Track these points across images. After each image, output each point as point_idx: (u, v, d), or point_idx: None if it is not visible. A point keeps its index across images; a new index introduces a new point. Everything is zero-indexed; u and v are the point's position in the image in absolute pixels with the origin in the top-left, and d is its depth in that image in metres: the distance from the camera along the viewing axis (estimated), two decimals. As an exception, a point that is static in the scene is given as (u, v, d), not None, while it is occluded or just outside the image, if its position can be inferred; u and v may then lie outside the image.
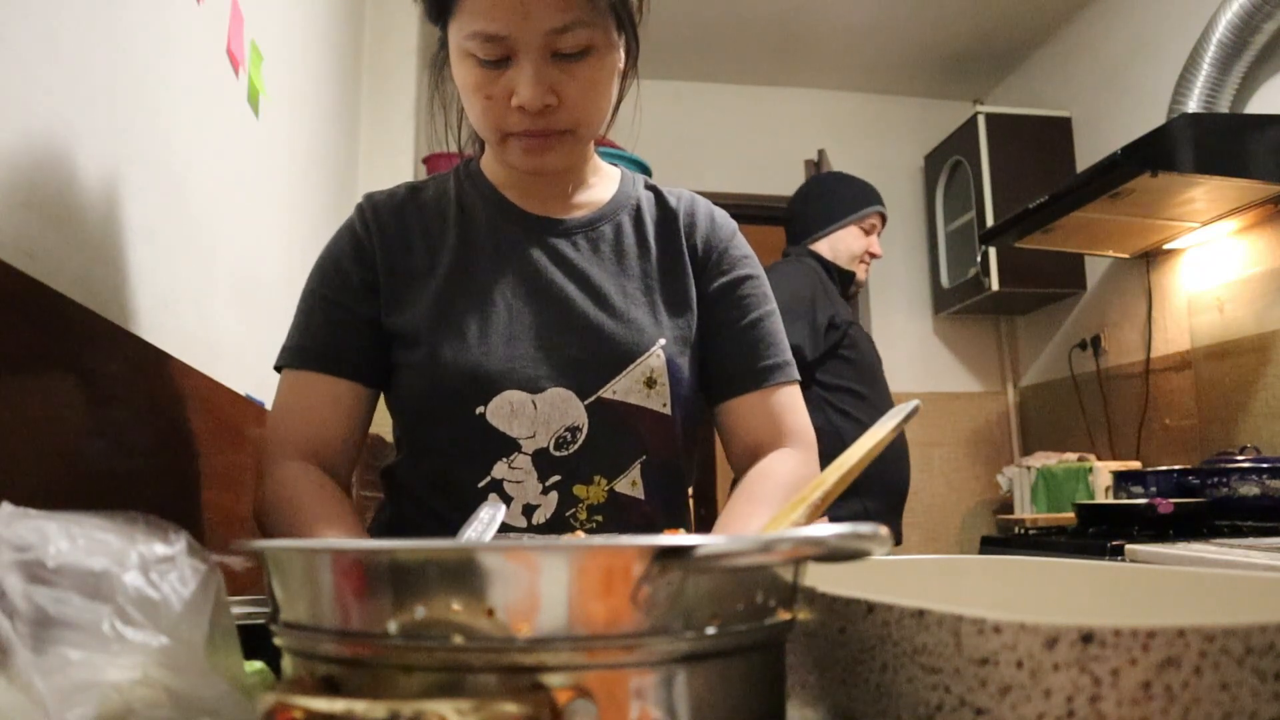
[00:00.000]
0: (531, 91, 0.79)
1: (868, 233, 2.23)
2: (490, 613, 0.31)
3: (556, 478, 0.86)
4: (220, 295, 1.18)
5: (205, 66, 1.12)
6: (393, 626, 0.31)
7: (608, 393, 0.87)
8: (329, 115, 1.94)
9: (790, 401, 0.96)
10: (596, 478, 0.87)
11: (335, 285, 0.91)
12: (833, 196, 2.25)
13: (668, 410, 0.89)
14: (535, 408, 0.86)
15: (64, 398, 0.74)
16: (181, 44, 1.03)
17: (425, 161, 2.26)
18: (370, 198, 0.96)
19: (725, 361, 0.95)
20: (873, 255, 2.24)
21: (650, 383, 0.88)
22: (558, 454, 0.86)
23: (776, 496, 0.89)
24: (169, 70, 1.00)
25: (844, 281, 2.23)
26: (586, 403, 0.87)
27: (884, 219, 2.28)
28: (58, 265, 0.75)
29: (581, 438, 0.86)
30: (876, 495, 1.93)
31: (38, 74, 0.73)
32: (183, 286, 1.04)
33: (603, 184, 0.99)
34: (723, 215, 1.01)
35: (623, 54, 0.86)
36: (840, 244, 2.21)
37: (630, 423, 0.88)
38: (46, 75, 0.74)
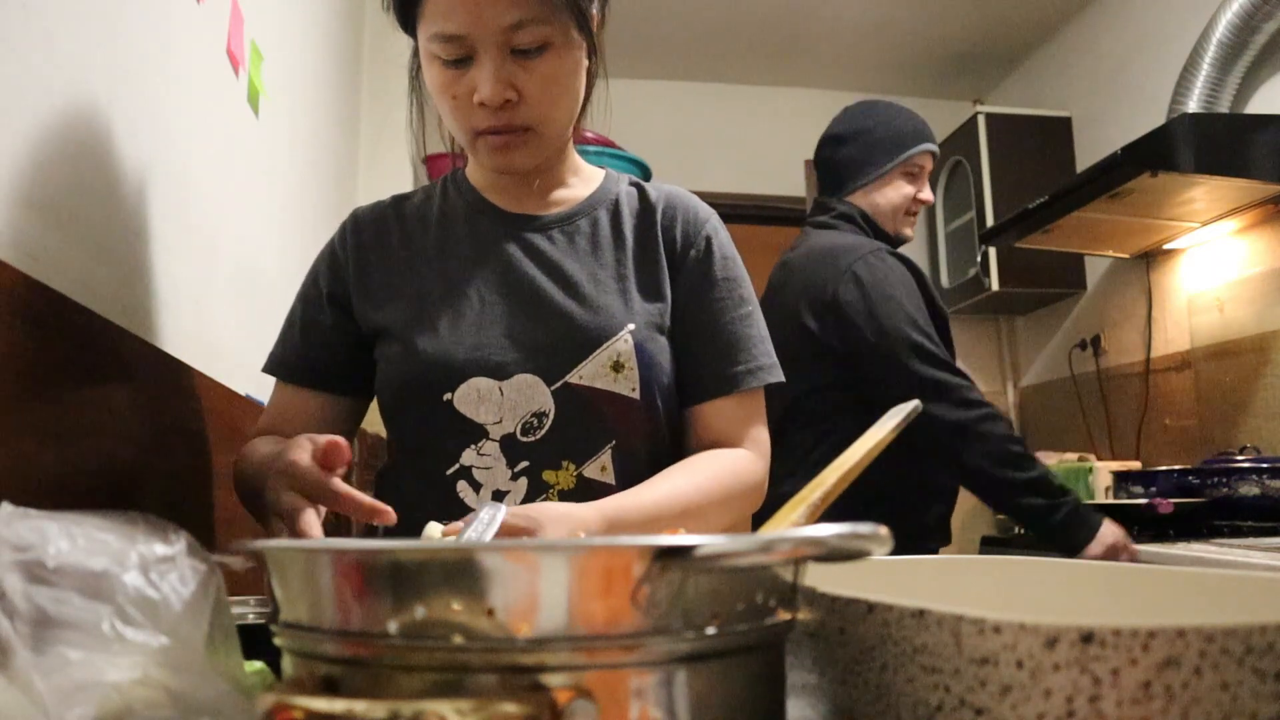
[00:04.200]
0: (490, 88, 0.81)
1: (914, 178, 1.81)
2: (490, 613, 0.31)
3: (525, 463, 0.87)
4: (220, 295, 1.18)
5: (205, 66, 1.12)
6: (393, 626, 0.31)
7: (574, 378, 0.88)
8: (329, 115, 1.94)
9: (755, 408, 0.96)
10: (565, 463, 0.88)
11: (310, 299, 0.98)
12: (865, 137, 1.82)
13: (636, 395, 0.89)
14: (502, 394, 0.88)
15: (64, 398, 0.74)
16: (181, 44, 1.04)
17: (425, 161, 2.26)
18: (355, 212, 1.01)
19: (694, 365, 0.95)
20: (921, 202, 1.83)
21: (617, 367, 0.88)
22: (525, 440, 0.87)
23: (705, 469, 0.89)
24: (169, 70, 1.00)
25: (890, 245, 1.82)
26: (553, 388, 0.88)
27: (935, 157, 1.85)
28: (59, 265, 0.75)
29: (548, 423, 0.87)
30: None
31: (38, 74, 0.73)
32: (183, 286, 1.04)
33: (583, 183, 1.00)
34: (707, 211, 1.00)
35: (586, 53, 0.88)
36: (881, 197, 1.81)
37: (597, 408, 0.88)
38: (47, 75, 0.74)
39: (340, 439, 0.67)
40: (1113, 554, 1.61)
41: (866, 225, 1.81)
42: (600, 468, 0.89)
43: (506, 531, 0.67)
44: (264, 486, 0.73)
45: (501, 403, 0.88)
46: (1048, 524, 1.60)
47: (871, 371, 1.64)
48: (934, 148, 1.83)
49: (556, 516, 0.72)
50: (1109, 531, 1.61)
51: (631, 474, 0.89)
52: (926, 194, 1.83)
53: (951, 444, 1.58)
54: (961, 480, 1.66)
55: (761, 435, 0.96)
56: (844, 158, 1.84)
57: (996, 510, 1.60)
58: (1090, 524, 1.61)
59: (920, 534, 1.65)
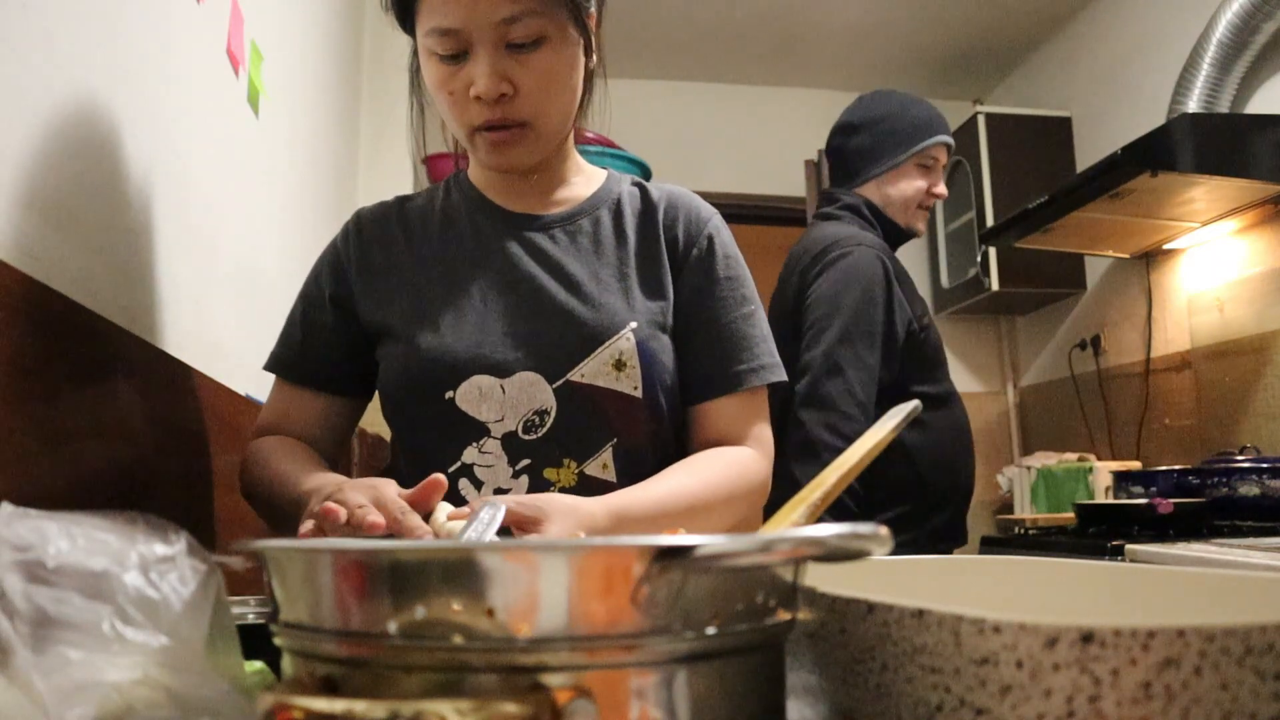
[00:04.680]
0: (486, 82, 0.82)
1: (927, 171, 1.77)
2: (490, 613, 0.31)
3: (526, 461, 0.87)
4: (220, 295, 1.18)
5: (205, 66, 1.12)
6: (393, 626, 0.31)
7: (575, 376, 0.88)
8: (329, 115, 1.94)
9: (759, 407, 0.96)
10: (566, 460, 0.88)
11: (312, 299, 0.98)
12: (880, 126, 1.77)
13: (638, 393, 0.89)
14: (503, 392, 0.88)
15: (64, 398, 0.74)
16: (181, 44, 1.03)
17: (426, 162, 2.26)
18: (359, 212, 1.01)
19: (696, 363, 0.95)
20: (935, 196, 1.78)
21: (619, 365, 0.88)
22: (526, 438, 0.88)
23: (710, 466, 0.90)
24: (169, 70, 0.99)
25: (899, 238, 1.79)
26: (554, 386, 0.88)
27: (950, 150, 1.81)
28: (58, 265, 0.75)
29: (550, 421, 0.88)
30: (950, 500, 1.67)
31: (38, 74, 0.73)
32: (183, 286, 1.04)
33: (585, 182, 1.00)
34: (709, 211, 1.00)
35: (583, 50, 0.88)
36: (893, 189, 1.75)
37: (599, 406, 0.88)
38: (47, 75, 0.74)
39: (441, 477, 0.69)
40: None
41: (874, 217, 1.77)
42: (601, 465, 0.89)
43: (513, 520, 0.67)
44: (288, 498, 0.77)
45: (503, 401, 0.88)
46: None
47: (798, 360, 1.58)
48: (949, 140, 1.79)
49: (563, 508, 0.72)
50: None
51: (633, 472, 0.89)
52: (941, 188, 1.78)
53: (798, 452, 1.51)
54: (779, 482, 1.57)
55: (765, 433, 0.96)
56: (856, 147, 1.79)
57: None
58: None
59: (934, 536, 1.64)
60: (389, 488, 0.69)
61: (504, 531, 0.68)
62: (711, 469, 0.90)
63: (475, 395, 0.88)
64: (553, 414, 0.88)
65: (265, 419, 0.98)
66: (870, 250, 1.64)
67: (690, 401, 0.96)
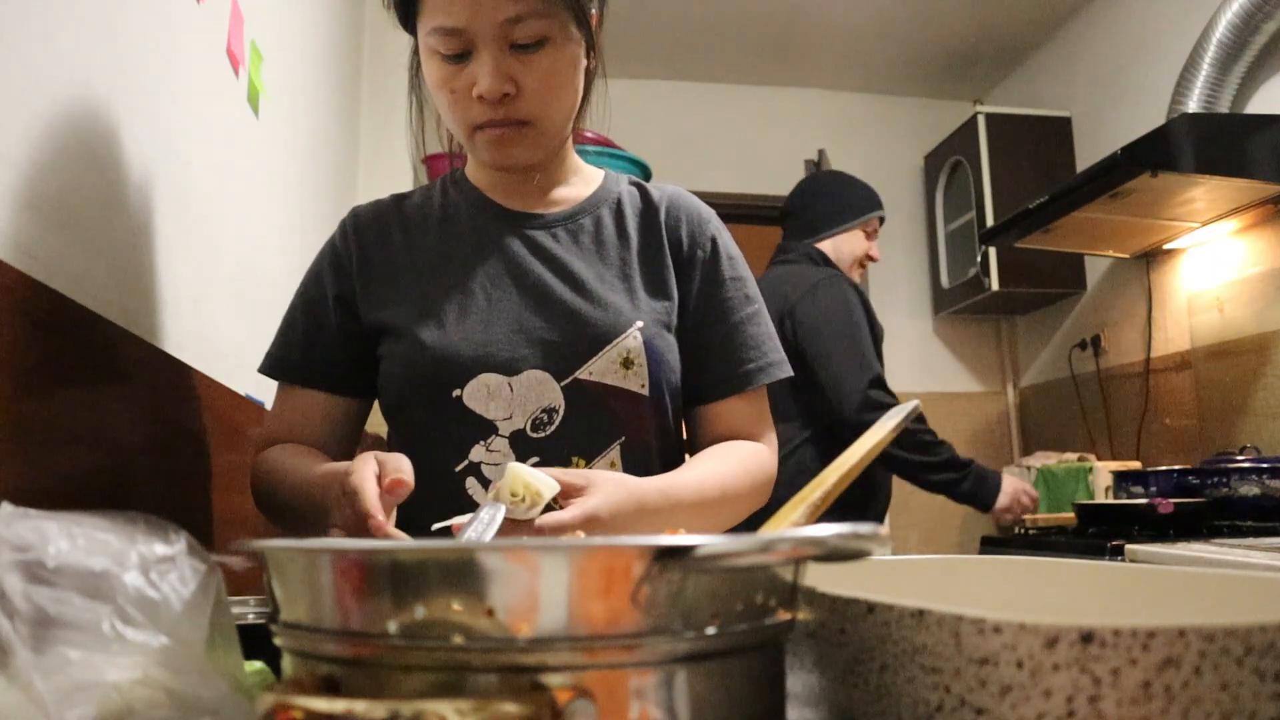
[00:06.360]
0: (489, 82, 0.82)
1: (869, 236, 2.27)
2: (490, 613, 0.31)
3: (534, 460, 0.87)
4: (220, 295, 1.18)
5: (205, 66, 1.12)
6: (393, 626, 0.31)
7: (584, 374, 0.88)
8: (329, 115, 1.94)
9: (765, 404, 0.98)
10: (574, 459, 0.88)
11: (311, 298, 0.97)
12: (837, 197, 2.27)
13: (645, 391, 0.90)
14: (511, 390, 0.88)
15: (64, 398, 0.74)
16: (181, 44, 1.03)
17: (425, 161, 2.26)
18: (354, 210, 1.01)
19: (705, 364, 0.95)
20: (871, 259, 2.28)
21: (627, 364, 0.89)
22: (535, 436, 0.88)
23: (734, 456, 0.92)
24: (169, 70, 1.00)
25: None
26: (563, 384, 0.88)
27: (882, 222, 2.34)
28: (58, 265, 0.75)
29: (558, 419, 0.88)
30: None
31: (38, 74, 0.73)
32: (183, 286, 1.04)
33: (584, 182, 1.00)
34: (708, 212, 1.01)
35: (584, 50, 0.88)
36: (844, 246, 2.24)
37: (607, 404, 0.89)
38: (47, 75, 0.74)
39: (405, 480, 0.68)
40: (1016, 500, 2.06)
41: (825, 263, 2.21)
42: (609, 463, 0.89)
43: (562, 488, 0.69)
44: (312, 504, 0.77)
45: (511, 399, 0.88)
46: (960, 491, 2.03)
47: (817, 376, 1.94)
48: (884, 214, 2.31)
49: (612, 478, 0.74)
50: (1009, 483, 2.07)
51: (640, 470, 0.89)
52: (876, 251, 2.29)
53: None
54: (885, 466, 2.00)
55: (771, 431, 0.98)
56: (813, 210, 2.29)
57: (916, 485, 2.05)
58: (992, 483, 2.06)
59: None
60: (367, 487, 0.67)
61: (549, 506, 0.69)
62: (738, 458, 0.92)
63: (483, 393, 0.87)
64: (561, 412, 0.88)
65: (272, 427, 0.97)
66: (842, 278, 2.12)
67: (700, 401, 0.96)
